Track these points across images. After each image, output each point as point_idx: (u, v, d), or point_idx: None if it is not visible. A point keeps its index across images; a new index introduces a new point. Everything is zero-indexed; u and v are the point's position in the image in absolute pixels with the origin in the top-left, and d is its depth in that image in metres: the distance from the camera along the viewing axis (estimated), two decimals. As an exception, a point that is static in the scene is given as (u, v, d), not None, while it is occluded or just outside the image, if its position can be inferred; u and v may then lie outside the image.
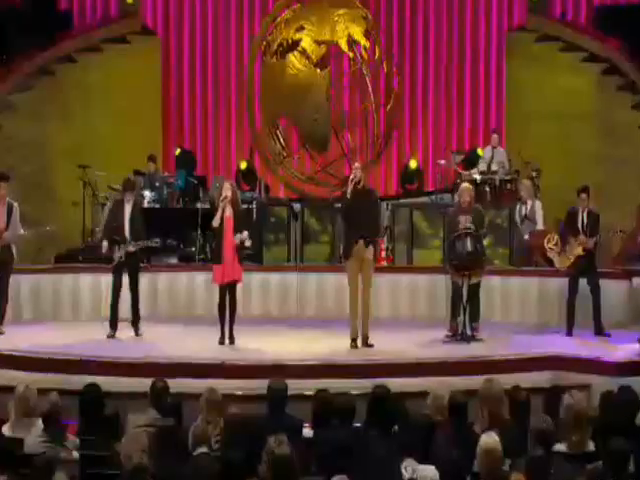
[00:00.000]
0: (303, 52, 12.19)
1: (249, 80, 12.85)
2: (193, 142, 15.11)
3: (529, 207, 11.34)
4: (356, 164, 9.35)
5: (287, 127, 13.13)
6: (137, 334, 9.59)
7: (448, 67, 14.89)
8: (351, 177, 8.96)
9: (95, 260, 11.49)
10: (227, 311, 9.09)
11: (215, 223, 8.95)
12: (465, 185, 9.81)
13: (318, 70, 12.20)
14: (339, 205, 11.48)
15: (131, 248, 9.50)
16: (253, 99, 12.87)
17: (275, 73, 12.29)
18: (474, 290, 9.36)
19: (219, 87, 15.12)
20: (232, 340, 9.07)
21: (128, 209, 9.62)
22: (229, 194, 8.96)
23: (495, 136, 13.13)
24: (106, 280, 10.91)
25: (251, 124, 12.94)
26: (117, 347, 8.92)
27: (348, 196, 8.87)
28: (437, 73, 14.93)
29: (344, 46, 12.32)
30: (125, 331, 9.65)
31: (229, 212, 8.97)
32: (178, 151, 14.53)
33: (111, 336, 9.50)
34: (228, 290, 9.03)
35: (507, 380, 6.46)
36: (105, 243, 9.55)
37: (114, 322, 9.57)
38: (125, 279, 9.64)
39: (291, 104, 12.20)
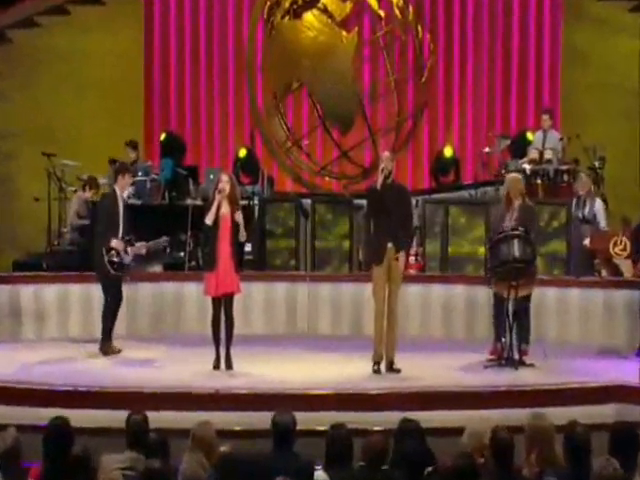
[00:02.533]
0: (324, 10, 12.11)
1: (250, 48, 12.88)
2: (182, 125, 15.15)
3: (587, 207, 11.31)
4: (385, 153, 9.32)
5: (297, 105, 13.15)
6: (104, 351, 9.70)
7: (491, 32, 14.88)
8: (381, 167, 8.95)
9: (63, 268, 11.55)
10: (223, 329, 9.12)
11: (208, 220, 8.95)
12: (512, 175, 9.80)
13: (343, 32, 12.14)
14: (359, 202, 11.57)
15: (143, 250, 9.59)
16: (254, 72, 12.90)
17: (288, 36, 12.17)
18: (523, 304, 9.35)
19: (213, 57, 15.15)
20: (229, 364, 9.09)
21: (121, 202, 9.73)
22: (227, 188, 8.97)
23: (547, 117, 13.09)
24: (77, 292, 11.00)
25: (252, 103, 12.96)
26: (90, 374, 8.95)
27: (378, 187, 8.85)
28: (477, 39, 14.92)
29: (373, 3, 12.30)
30: (98, 354, 9.72)
31: (226, 209, 8.98)
32: (164, 136, 14.56)
33: (119, 351, 9.68)
34: (223, 304, 9.06)
35: (563, 414, 6.44)
36: (116, 242, 9.55)
37: (109, 339, 9.72)
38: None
39: (309, 72, 12.10)
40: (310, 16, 12.13)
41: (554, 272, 11.18)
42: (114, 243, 9.55)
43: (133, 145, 13.30)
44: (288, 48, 12.16)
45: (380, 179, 8.90)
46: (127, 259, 9.61)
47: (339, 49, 12.05)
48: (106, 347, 9.68)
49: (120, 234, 9.64)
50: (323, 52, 12.05)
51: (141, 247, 9.68)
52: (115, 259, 9.56)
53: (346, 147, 12.86)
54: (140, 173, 12.96)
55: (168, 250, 10.08)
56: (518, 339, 9.31)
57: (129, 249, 9.61)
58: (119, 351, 9.75)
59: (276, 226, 12.18)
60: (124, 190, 9.94)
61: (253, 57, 12.88)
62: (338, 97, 12.02)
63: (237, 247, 9.16)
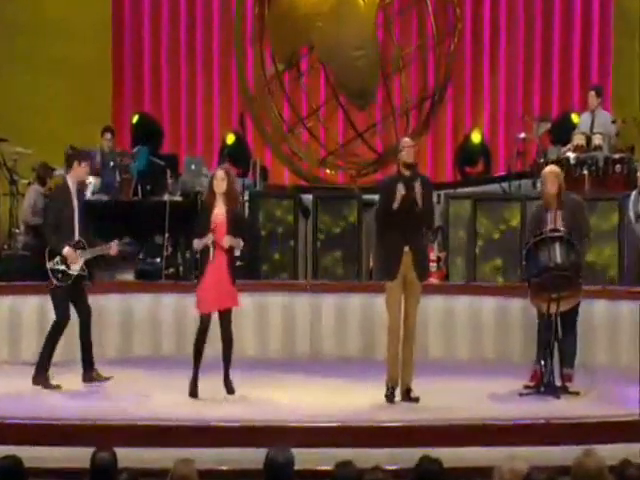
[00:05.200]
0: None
1: (238, 15, 12.91)
2: (157, 106, 15.18)
3: (647, 200, 11.36)
4: (406, 139, 9.30)
5: (296, 83, 13.17)
6: (88, 379, 9.67)
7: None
8: (404, 157, 8.91)
9: (15, 276, 11.55)
10: (204, 350, 9.13)
11: (196, 246, 9.11)
12: (549, 169, 9.78)
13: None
14: (369, 197, 11.57)
15: (89, 254, 9.60)
16: (244, 44, 12.92)
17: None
18: (568, 321, 9.35)
19: (195, 26, 15.18)
20: (230, 388, 9.16)
21: (76, 196, 9.73)
22: (224, 186, 9.05)
23: (595, 94, 13.05)
24: (32, 306, 11.00)
25: (241, 80, 12.99)
26: (46, 404, 8.95)
27: (395, 204, 8.80)
28: (512, 2, 14.91)
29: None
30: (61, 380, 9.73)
31: (221, 210, 9.06)
32: (136, 118, 14.60)
33: (57, 387, 9.58)
34: (220, 320, 9.12)
35: (614, 452, 6.44)
36: (68, 251, 9.54)
37: (47, 366, 9.66)
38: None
39: (321, 37, 12.09)
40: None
41: (604, 281, 11.21)
42: (66, 251, 9.54)
43: (110, 130, 13.27)
44: (293, 9, 12.14)
45: (398, 199, 8.81)
46: (75, 267, 9.60)
47: (358, 9, 12.06)
48: (41, 379, 9.61)
49: (75, 236, 9.61)
50: (339, 12, 12.06)
51: (88, 251, 9.64)
52: (60, 267, 9.55)
53: (351, 134, 12.90)
54: (112, 163, 12.94)
55: (138, 253, 10.01)
56: (561, 362, 9.31)
57: (79, 253, 9.58)
58: (57, 387, 9.66)
59: (271, 226, 12.19)
60: (81, 181, 9.89)
61: (242, 26, 12.90)
62: (355, 66, 12.00)
63: (234, 254, 9.24)
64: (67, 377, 9.74)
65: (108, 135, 13.19)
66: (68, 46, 14.52)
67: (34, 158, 12.96)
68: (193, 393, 9.11)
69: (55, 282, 9.60)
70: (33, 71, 14.56)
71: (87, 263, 9.65)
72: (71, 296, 9.63)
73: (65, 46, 14.53)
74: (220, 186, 9.05)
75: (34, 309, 11.05)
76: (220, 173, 9.19)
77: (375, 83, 12.27)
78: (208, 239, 8.98)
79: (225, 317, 9.14)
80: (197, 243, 9.09)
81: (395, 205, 8.81)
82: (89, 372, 9.70)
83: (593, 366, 10.30)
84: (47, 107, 14.40)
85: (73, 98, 14.35)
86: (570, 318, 9.41)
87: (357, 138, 12.86)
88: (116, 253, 9.76)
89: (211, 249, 9.02)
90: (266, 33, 12.64)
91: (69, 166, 9.85)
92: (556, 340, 9.21)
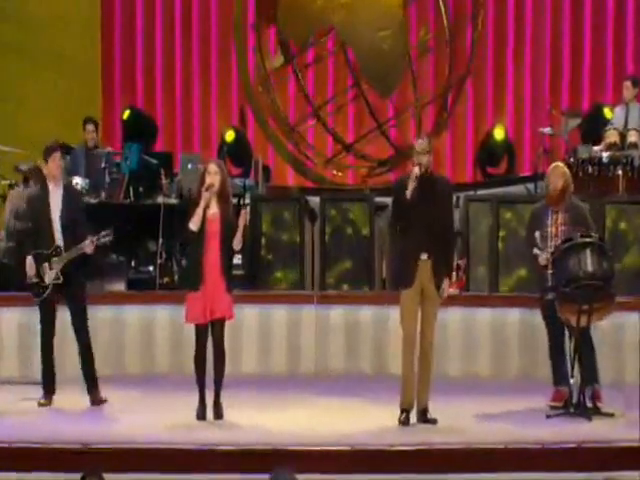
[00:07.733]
0: None
1: (238, 1, 12.96)
2: (150, 100, 15.21)
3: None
4: (420, 140, 9.27)
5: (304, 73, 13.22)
6: (96, 402, 9.64)
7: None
8: (416, 164, 8.88)
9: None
10: (206, 366, 9.11)
11: (193, 226, 8.96)
12: (554, 164, 9.80)
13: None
14: (382, 200, 11.58)
15: (63, 260, 9.57)
16: (245, 31, 12.95)
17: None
18: (585, 334, 9.31)
19: (191, 13, 15.21)
20: (218, 412, 9.10)
21: (56, 198, 9.71)
22: (216, 181, 9.00)
23: (629, 84, 13.01)
24: (14, 319, 11.04)
25: (242, 71, 13.02)
26: (29, 426, 8.94)
27: (408, 192, 8.79)
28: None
29: None
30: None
31: (214, 210, 9.02)
32: (127, 113, 14.62)
33: (45, 404, 9.62)
34: (212, 332, 9.06)
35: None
36: (30, 260, 9.58)
37: (51, 383, 9.69)
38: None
39: (342, 17, 12.13)
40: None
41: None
42: (27, 265, 9.55)
43: (93, 122, 13.22)
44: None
45: (414, 177, 8.82)
46: (50, 276, 9.59)
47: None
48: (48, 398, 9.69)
49: (59, 240, 9.60)
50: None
51: (71, 252, 9.60)
52: (34, 280, 9.58)
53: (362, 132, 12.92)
54: (104, 163, 12.96)
55: (110, 240, 9.82)
56: (587, 379, 9.30)
57: (53, 261, 9.57)
58: (45, 403, 9.70)
59: (274, 231, 12.21)
60: (55, 177, 9.86)
61: (243, 11, 12.93)
62: (380, 48, 12.03)
63: (228, 259, 9.16)
64: (56, 397, 9.81)
65: (90, 127, 13.13)
66: (53, 37, 14.56)
67: (17, 157, 13.00)
68: (201, 415, 9.05)
69: (34, 297, 9.64)
70: (15, 65, 14.59)
71: (63, 269, 9.60)
72: (68, 306, 9.67)
73: (50, 37, 14.56)
74: (213, 180, 8.91)
75: (16, 323, 11.06)
76: (213, 167, 9.02)
77: (400, 67, 12.29)
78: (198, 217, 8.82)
79: (217, 329, 9.06)
80: (193, 221, 8.85)
81: (408, 192, 8.76)
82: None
83: (626, 385, 10.29)
84: (30, 103, 14.43)
85: (58, 93, 14.37)
86: (585, 331, 9.37)
87: (373, 131, 12.88)
88: (93, 250, 9.64)
89: (204, 253, 8.94)
90: (274, 17, 12.62)
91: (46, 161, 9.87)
92: (576, 354, 9.20)
